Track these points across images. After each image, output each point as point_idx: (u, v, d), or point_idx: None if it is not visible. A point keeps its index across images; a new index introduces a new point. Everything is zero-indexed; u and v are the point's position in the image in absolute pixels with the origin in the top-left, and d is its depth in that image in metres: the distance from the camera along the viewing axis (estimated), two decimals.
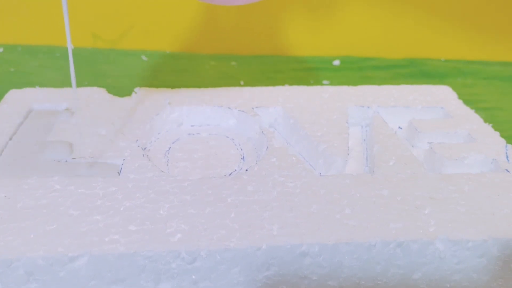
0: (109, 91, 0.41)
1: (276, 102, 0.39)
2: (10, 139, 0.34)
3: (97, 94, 0.39)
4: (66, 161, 0.32)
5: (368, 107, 0.39)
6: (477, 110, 0.40)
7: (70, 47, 0.30)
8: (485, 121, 0.38)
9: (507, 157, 0.33)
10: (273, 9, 0.58)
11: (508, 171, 0.31)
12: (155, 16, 0.57)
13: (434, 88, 0.42)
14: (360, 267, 0.26)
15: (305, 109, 0.38)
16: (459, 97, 0.41)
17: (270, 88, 0.42)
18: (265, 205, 0.28)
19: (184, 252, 0.25)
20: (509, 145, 0.34)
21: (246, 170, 0.31)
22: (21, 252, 0.24)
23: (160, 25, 0.58)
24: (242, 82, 0.53)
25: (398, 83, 0.49)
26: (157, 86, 0.42)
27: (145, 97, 0.39)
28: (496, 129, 0.37)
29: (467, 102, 0.41)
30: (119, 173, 0.31)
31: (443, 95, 0.41)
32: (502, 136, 0.36)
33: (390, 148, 0.34)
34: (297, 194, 0.29)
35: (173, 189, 0.29)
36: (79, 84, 0.46)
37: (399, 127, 0.38)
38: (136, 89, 0.40)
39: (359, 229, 0.26)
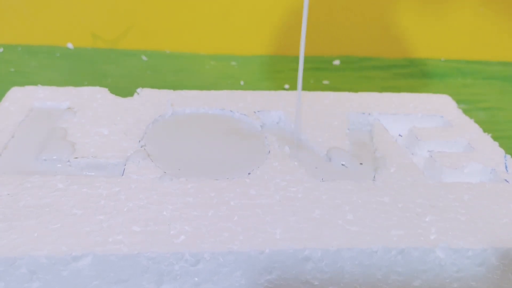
0: (109, 91, 0.40)
1: (278, 106, 0.39)
2: (12, 137, 0.33)
3: (100, 94, 0.39)
4: (68, 160, 0.31)
5: (369, 113, 0.39)
6: (477, 110, 0.40)
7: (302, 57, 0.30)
8: (485, 121, 0.38)
9: (506, 167, 0.33)
10: (273, 9, 0.58)
11: (507, 181, 0.32)
12: (155, 16, 0.57)
13: (434, 97, 0.43)
14: (361, 273, 0.26)
15: (306, 114, 0.38)
16: (459, 97, 0.41)
17: (272, 92, 0.42)
18: (268, 209, 0.28)
19: (188, 254, 0.25)
20: (508, 156, 0.34)
21: (249, 173, 0.31)
22: (24, 251, 0.24)
23: (160, 25, 0.58)
24: (242, 82, 0.53)
25: (398, 83, 0.49)
26: (157, 86, 0.42)
27: (147, 97, 0.39)
28: (496, 129, 0.37)
29: (467, 102, 0.41)
30: (122, 174, 0.31)
31: (442, 104, 0.41)
32: (502, 136, 0.36)
33: (391, 156, 0.34)
34: (299, 199, 0.29)
35: (176, 191, 0.29)
36: (78, 84, 0.46)
37: (400, 135, 0.38)
38: (138, 90, 0.40)
39: (361, 235, 0.26)
